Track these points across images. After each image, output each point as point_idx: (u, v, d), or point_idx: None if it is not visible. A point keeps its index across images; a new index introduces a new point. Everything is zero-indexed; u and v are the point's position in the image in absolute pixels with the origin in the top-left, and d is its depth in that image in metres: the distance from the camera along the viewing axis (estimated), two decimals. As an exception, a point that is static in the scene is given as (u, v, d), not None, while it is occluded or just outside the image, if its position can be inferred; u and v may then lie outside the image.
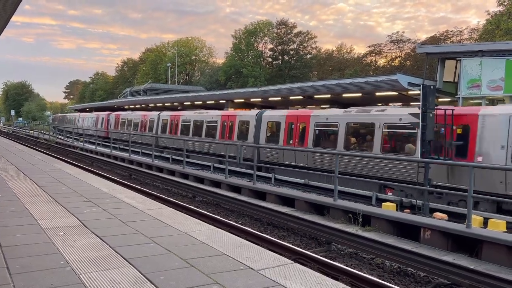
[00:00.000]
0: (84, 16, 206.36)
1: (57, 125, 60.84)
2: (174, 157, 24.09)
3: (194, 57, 77.36)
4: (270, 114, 19.93)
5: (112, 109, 47.74)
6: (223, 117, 22.57)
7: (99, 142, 31.26)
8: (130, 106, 44.42)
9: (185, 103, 33.22)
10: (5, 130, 59.30)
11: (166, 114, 29.07)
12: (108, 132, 36.58)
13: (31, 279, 3.70)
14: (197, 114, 25.21)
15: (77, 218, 5.97)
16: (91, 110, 56.59)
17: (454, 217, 11.04)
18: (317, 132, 17.20)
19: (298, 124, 18.02)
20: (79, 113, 54.09)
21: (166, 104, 36.10)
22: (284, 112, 19.38)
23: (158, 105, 37.73)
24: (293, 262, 4.49)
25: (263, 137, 19.60)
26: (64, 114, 69.50)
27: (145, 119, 31.50)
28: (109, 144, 28.23)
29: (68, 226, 5.54)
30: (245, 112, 22.21)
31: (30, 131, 54.22)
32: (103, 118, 40.69)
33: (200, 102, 31.65)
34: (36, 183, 8.99)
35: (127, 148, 24.77)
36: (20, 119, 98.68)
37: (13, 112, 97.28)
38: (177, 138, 25.10)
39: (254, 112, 21.19)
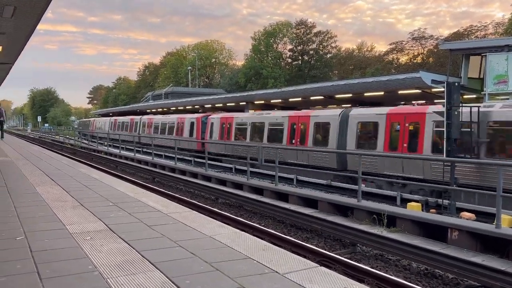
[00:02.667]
0: (104, 23, 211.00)
1: (90, 132, 50.49)
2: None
3: (214, 59, 77.90)
4: None
5: (135, 113, 47.27)
6: None
7: (200, 160, 23.03)
8: (153, 110, 44.92)
9: (205, 105, 33.50)
10: (32, 136, 60.87)
11: (366, 114, 16.38)
12: (207, 143, 24.99)
13: (61, 284, 3.77)
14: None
15: (104, 223, 6.06)
16: (116, 114, 55.97)
17: (482, 216, 10.78)
18: None
19: None
20: (135, 116, 40.63)
21: (187, 107, 36.43)
22: None
23: (179, 108, 38.07)
24: (318, 265, 4.45)
25: None
26: (104, 118, 54.34)
27: (301, 122, 18.94)
28: (206, 161, 18.88)
29: (95, 230, 5.64)
30: None
31: (56, 137, 55.42)
32: (192, 123, 28.17)
33: (221, 104, 31.85)
34: (63, 188, 9.18)
35: (261, 170, 18.45)
36: (46, 124, 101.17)
37: (39, 118, 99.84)
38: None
39: None
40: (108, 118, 49.93)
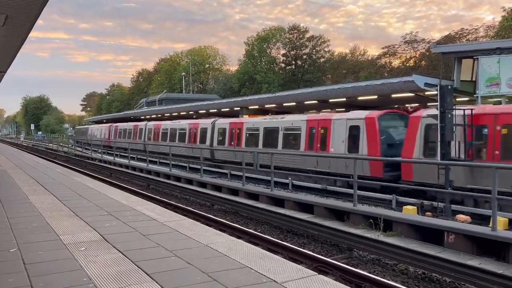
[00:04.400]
0: (95, 29, 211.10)
1: (105, 140, 39.43)
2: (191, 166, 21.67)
3: (207, 65, 77.93)
4: None
5: (127, 120, 46.48)
6: None
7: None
8: (148, 116, 44.64)
9: (200, 111, 33.42)
10: (25, 144, 60.41)
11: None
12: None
13: (55, 297, 3.71)
14: None
15: (98, 233, 6.00)
16: (110, 121, 54.74)
17: (477, 218, 10.79)
18: None
19: None
20: (201, 120, 28.11)
21: (181, 113, 36.31)
22: None
23: (173, 114, 37.94)
24: (316, 273, 4.41)
25: None
26: (130, 123, 39.82)
27: None
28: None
29: (89, 241, 5.57)
30: None
31: (50, 144, 55.03)
32: (355, 128, 16.03)
33: (215, 110, 31.79)
34: (57, 198, 9.09)
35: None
36: (40, 132, 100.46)
37: (32, 126, 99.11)
38: None
39: None
40: (144, 123, 36.37)
